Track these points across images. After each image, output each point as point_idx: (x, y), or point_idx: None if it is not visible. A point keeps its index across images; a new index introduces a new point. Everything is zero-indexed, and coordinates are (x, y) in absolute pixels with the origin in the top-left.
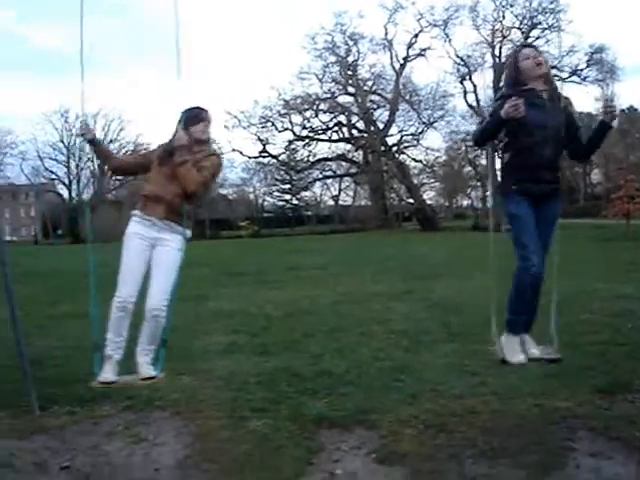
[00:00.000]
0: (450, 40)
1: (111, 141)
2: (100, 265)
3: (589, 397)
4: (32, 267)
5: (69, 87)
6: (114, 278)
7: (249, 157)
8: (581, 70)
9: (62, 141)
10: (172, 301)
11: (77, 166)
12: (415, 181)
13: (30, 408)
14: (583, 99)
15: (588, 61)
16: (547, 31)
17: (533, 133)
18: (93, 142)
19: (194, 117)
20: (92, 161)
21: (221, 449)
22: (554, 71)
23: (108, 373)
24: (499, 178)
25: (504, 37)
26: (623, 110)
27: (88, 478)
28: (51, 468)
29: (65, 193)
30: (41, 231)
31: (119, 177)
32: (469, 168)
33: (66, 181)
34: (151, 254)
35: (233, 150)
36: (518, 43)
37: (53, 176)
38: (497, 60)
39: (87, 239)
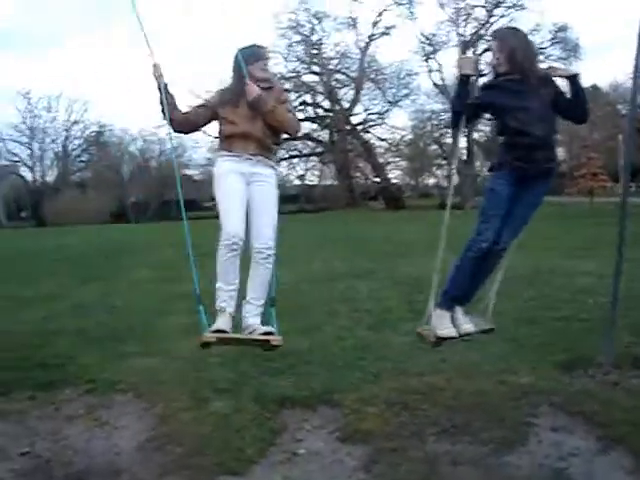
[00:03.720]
0: (415, 18)
1: (75, 122)
2: (65, 247)
3: (550, 372)
4: None
5: (32, 67)
6: (82, 260)
7: (215, 137)
8: (545, 49)
9: (24, 123)
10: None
11: (40, 148)
12: (381, 160)
13: None
14: None
15: (552, 39)
16: (511, 9)
17: (517, 117)
18: (166, 87)
19: (252, 56)
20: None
21: (183, 431)
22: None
23: (222, 324)
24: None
25: (468, 15)
26: (586, 88)
27: (48, 463)
28: (10, 453)
29: (28, 175)
30: (4, 214)
31: (180, 133)
32: (435, 147)
33: (29, 163)
34: (248, 192)
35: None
36: (482, 21)
37: (15, 158)
38: (461, 38)
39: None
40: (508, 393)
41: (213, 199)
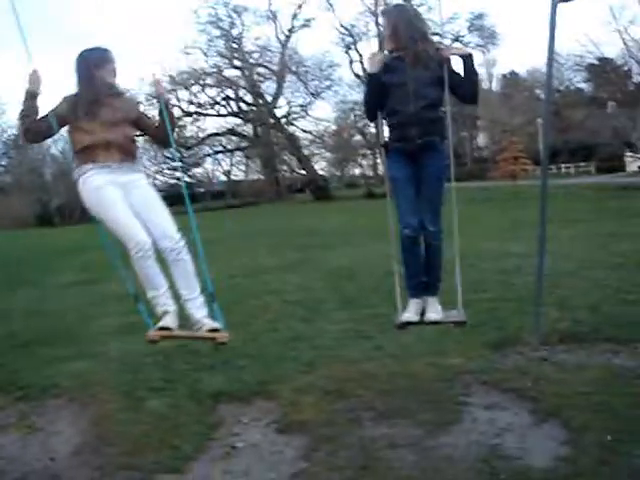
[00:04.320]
0: (334, 10)
1: None
2: None
3: (481, 352)
4: None
5: None
6: (6, 266)
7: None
8: (463, 36)
9: None
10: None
11: None
12: (306, 152)
13: None
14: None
15: (469, 27)
16: None
17: (394, 93)
18: (35, 96)
19: (101, 59)
20: None
21: (119, 432)
22: (437, 38)
23: (168, 321)
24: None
25: (386, 5)
26: (505, 75)
27: None
28: None
29: None
30: None
31: (32, 143)
32: (359, 137)
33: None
34: (127, 200)
35: None
36: None
37: None
38: (380, 28)
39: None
40: (440, 375)
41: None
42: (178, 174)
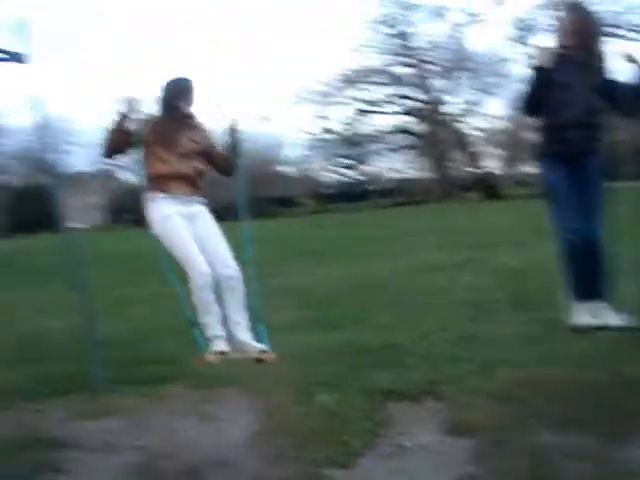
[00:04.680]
0: (505, 4)
1: None
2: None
3: None
4: (98, 251)
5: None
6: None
7: (310, 133)
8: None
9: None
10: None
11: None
12: (476, 150)
13: (101, 390)
14: None
15: None
16: None
17: (559, 92)
18: (126, 119)
19: (184, 89)
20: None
21: (290, 424)
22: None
23: (222, 346)
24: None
25: None
26: None
27: (159, 457)
28: (123, 448)
29: (129, 178)
30: (106, 216)
31: (109, 157)
32: (531, 134)
33: (130, 167)
34: (192, 230)
35: (294, 127)
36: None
37: (117, 162)
38: (556, 22)
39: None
40: (620, 384)
41: (310, 195)
42: (348, 172)
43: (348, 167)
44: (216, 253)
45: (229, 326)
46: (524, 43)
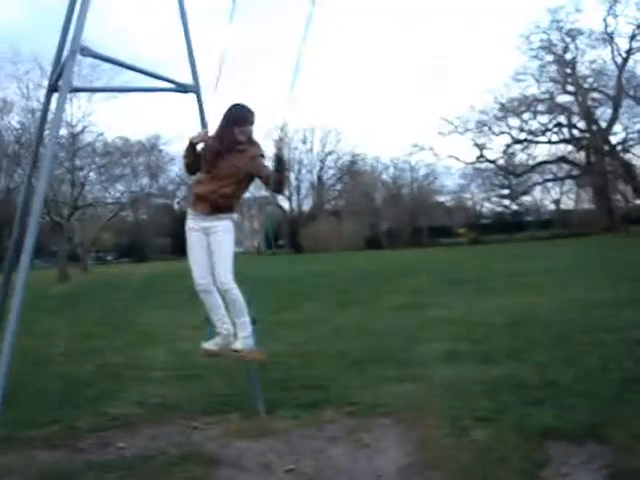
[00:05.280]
0: None
1: (329, 153)
2: (322, 272)
3: None
4: (255, 276)
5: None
6: (340, 285)
7: (466, 163)
8: None
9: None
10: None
11: (296, 178)
12: None
13: (257, 411)
14: None
15: None
16: None
17: None
18: (194, 147)
19: (243, 118)
20: (310, 172)
21: (443, 457)
22: None
23: (211, 344)
24: None
25: None
26: None
27: None
28: (276, 469)
29: (286, 204)
30: (264, 242)
31: (192, 175)
32: None
33: (287, 193)
34: (207, 241)
35: (450, 156)
36: None
37: None
38: None
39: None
40: None
41: (466, 225)
42: (505, 202)
43: (505, 197)
44: (215, 269)
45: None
46: None
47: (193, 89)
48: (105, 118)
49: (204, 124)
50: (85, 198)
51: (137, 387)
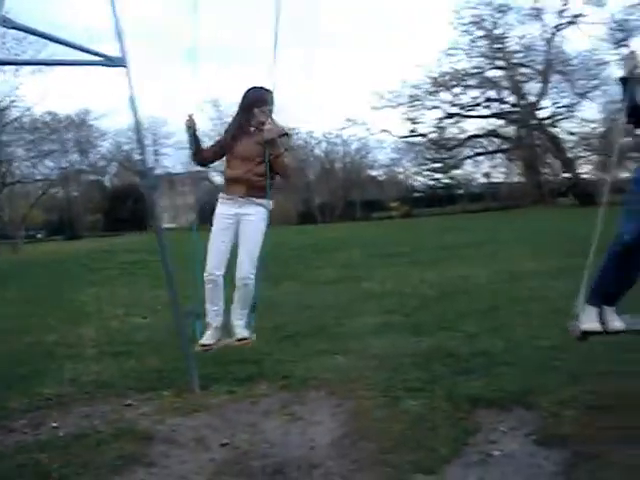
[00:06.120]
0: (604, 4)
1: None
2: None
3: None
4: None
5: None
6: (274, 261)
7: (398, 137)
8: None
9: (214, 130)
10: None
11: None
12: (570, 155)
13: (191, 387)
14: None
15: None
16: None
17: None
18: (195, 135)
19: (260, 98)
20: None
21: (376, 428)
22: None
23: (208, 338)
24: None
25: None
26: None
27: (246, 455)
28: (211, 444)
29: (219, 180)
30: (198, 218)
31: (200, 165)
32: (628, 139)
33: (221, 169)
34: (237, 228)
35: (382, 131)
36: None
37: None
38: None
39: None
40: None
41: (398, 199)
42: (437, 175)
43: (437, 171)
44: (239, 258)
45: (230, 313)
46: (623, 45)
47: (121, 63)
48: (33, 92)
49: (132, 99)
50: (13, 175)
51: (70, 365)
